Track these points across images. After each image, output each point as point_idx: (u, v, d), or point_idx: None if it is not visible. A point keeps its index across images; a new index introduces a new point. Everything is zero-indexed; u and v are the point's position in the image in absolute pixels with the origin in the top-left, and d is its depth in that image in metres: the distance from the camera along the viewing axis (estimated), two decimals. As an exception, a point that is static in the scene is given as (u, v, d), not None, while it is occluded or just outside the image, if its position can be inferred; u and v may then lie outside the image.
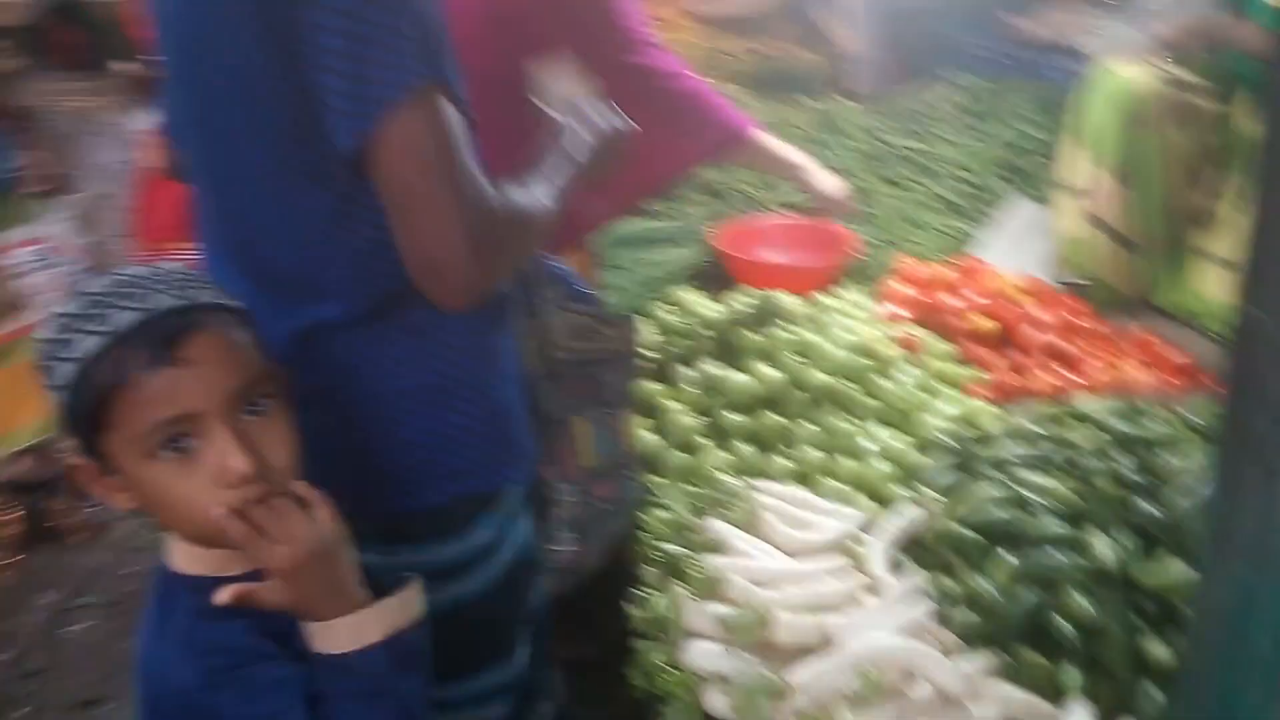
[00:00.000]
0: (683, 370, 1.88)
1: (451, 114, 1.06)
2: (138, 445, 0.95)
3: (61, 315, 0.97)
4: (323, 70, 1.02)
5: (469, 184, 1.06)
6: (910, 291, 2.13)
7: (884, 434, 1.70)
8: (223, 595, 0.98)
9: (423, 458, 1.23)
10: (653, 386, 1.86)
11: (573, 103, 1.40)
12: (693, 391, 1.83)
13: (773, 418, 1.74)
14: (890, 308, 2.11)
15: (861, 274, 2.34)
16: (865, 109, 3.20)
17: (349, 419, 1.21)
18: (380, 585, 1.05)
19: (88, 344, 0.94)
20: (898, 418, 1.76)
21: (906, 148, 2.84)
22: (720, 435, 1.75)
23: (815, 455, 1.67)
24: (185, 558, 1.04)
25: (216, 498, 0.96)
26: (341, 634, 1.00)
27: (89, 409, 0.95)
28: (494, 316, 1.28)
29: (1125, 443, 1.42)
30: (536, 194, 1.21)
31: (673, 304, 2.10)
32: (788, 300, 2.04)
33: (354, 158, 1.05)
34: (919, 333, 1.99)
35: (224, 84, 1.10)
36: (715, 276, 2.30)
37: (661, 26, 4.31)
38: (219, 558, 1.02)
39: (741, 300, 2.04)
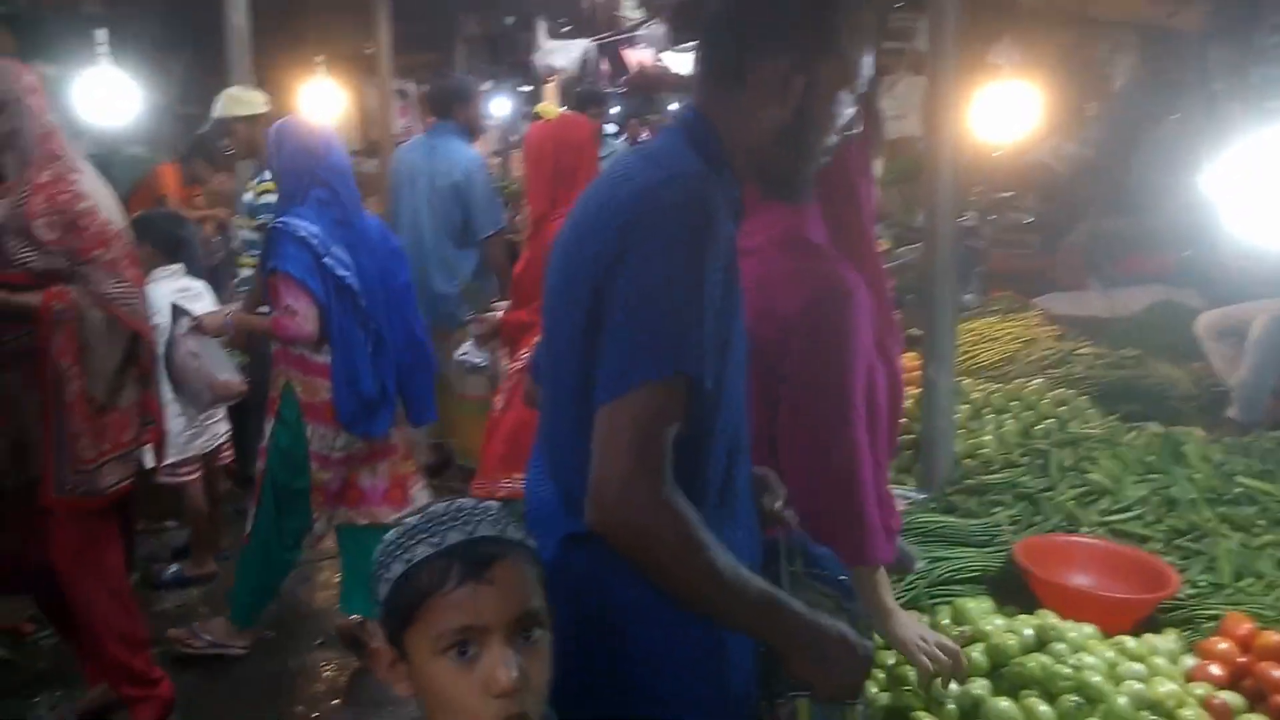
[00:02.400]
0: (948, 685, 1.79)
1: (673, 404, 1.24)
2: (432, 643, 1.11)
3: (405, 525, 1.17)
4: (608, 336, 1.26)
5: (653, 459, 1.21)
6: (1232, 652, 1.90)
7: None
8: None
9: (644, 675, 1.32)
10: (910, 695, 1.78)
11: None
12: (952, 709, 1.73)
13: (1036, 759, 1.60)
14: (1205, 665, 1.89)
15: (1184, 620, 2.12)
16: (1221, 442, 2.97)
17: (587, 626, 1.32)
18: None
19: (418, 551, 1.13)
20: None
21: (1263, 491, 2.59)
22: (973, 764, 1.63)
23: (1077, 814, 1.51)
24: None
25: (482, 706, 1.08)
26: None
27: (405, 605, 1.12)
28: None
29: None
30: (726, 563, 1.23)
31: (954, 611, 2.02)
32: (1082, 632, 1.90)
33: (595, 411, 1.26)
34: (1231, 699, 1.76)
35: (560, 332, 1.37)
36: (1011, 590, 2.18)
37: (1010, 327, 4.31)
38: None
39: (1028, 622, 1.92)
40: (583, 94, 7.10)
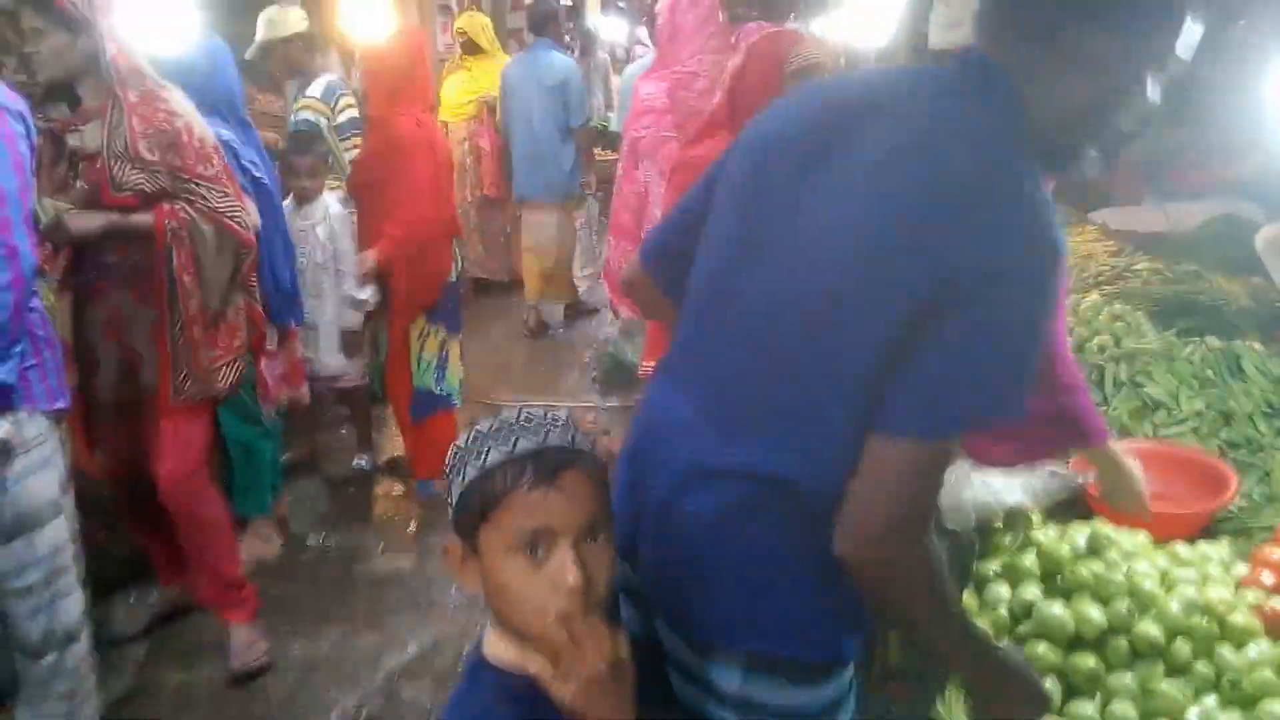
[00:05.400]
0: (999, 588, 1.83)
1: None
2: (503, 542, 1.16)
3: (478, 431, 1.22)
4: (923, 365, 1.15)
5: (928, 511, 1.18)
6: (1285, 561, 1.92)
7: (1213, 707, 1.54)
8: (532, 666, 1.16)
9: (795, 616, 1.32)
10: (964, 599, 1.82)
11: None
12: (1003, 613, 1.77)
13: (1086, 660, 1.64)
14: (1258, 572, 1.91)
15: (1237, 531, 2.14)
16: (1280, 356, 2.93)
17: (745, 563, 1.32)
18: None
19: (493, 456, 1.18)
20: (1236, 695, 1.59)
21: (1324, 407, 2.57)
22: (1024, 664, 1.67)
23: (1126, 709, 1.55)
24: (496, 648, 1.24)
25: (549, 602, 1.14)
26: None
27: (478, 505, 1.18)
28: None
29: None
30: (958, 606, 1.27)
31: (1006, 519, 2.05)
32: (1134, 541, 1.92)
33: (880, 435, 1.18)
34: (1283, 607, 1.79)
35: (841, 302, 1.22)
36: (1066, 501, 2.20)
37: (1069, 243, 4.24)
38: (522, 654, 1.20)
39: (1080, 530, 1.95)
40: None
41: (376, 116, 3.98)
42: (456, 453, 1.23)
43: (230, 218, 2.87)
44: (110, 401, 2.90)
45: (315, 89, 4.71)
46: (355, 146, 4.85)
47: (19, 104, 2.26)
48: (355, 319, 4.10)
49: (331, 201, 4.13)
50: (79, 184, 2.73)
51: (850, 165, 1.26)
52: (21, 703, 2.44)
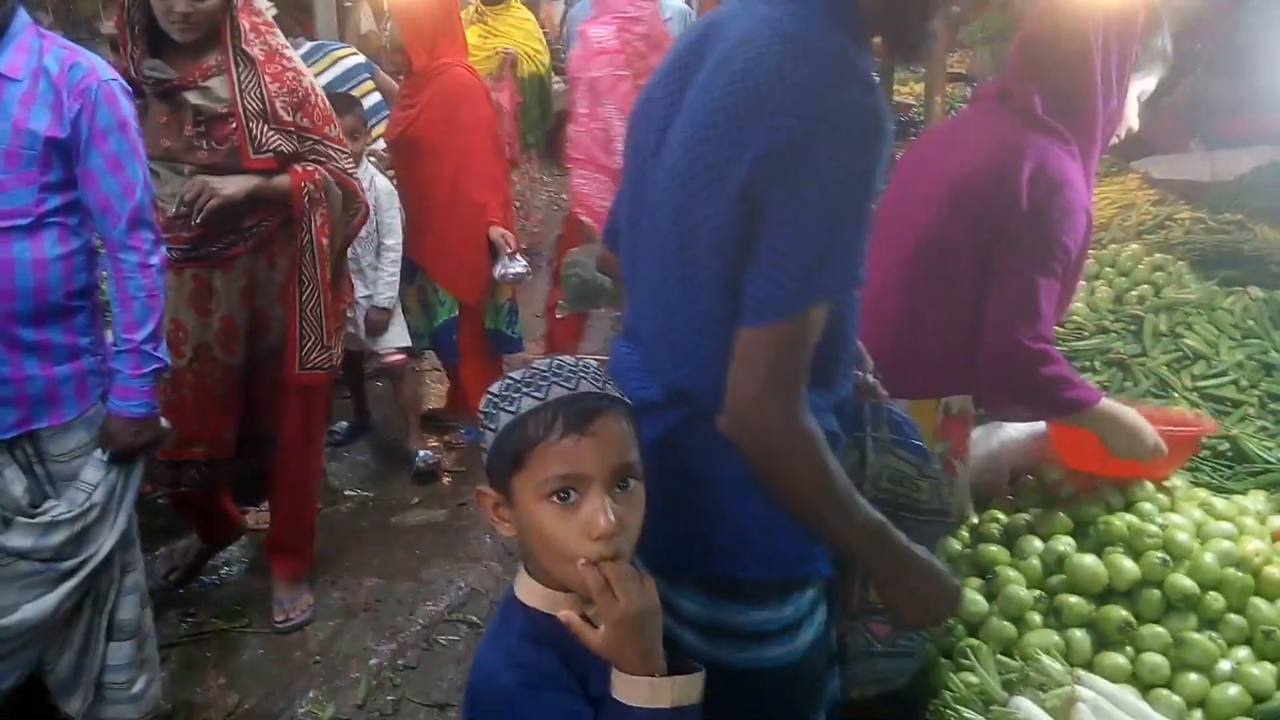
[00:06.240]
0: (1031, 541, 1.83)
1: (821, 320, 1.23)
2: (536, 488, 1.18)
3: (510, 380, 1.24)
4: (765, 255, 1.20)
5: (792, 383, 1.22)
6: (1322, 513, 1.90)
7: (1246, 659, 1.54)
8: (564, 614, 1.18)
9: (746, 536, 1.36)
10: (995, 550, 1.82)
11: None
12: (1035, 565, 1.77)
13: (1118, 611, 1.64)
14: (1295, 526, 1.89)
15: (1273, 483, 2.11)
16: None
17: (692, 487, 1.36)
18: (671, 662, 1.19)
19: (526, 403, 1.20)
20: (1270, 648, 1.58)
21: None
22: (1054, 615, 1.68)
23: (1158, 661, 1.55)
24: (527, 591, 1.26)
25: (581, 547, 1.16)
26: (640, 690, 1.15)
27: (511, 452, 1.19)
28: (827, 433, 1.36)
29: None
30: (843, 486, 1.27)
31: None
32: (1172, 495, 1.91)
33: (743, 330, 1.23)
34: (1320, 560, 1.77)
35: (688, 221, 1.29)
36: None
37: (1106, 191, 4.18)
38: (552, 597, 1.22)
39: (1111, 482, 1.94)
40: None
41: (421, 69, 3.81)
42: (490, 401, 1.25)
43: (355, 179, 2.83)
44: (243, 369, 2.80)
45: None
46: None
47: (121, 79, 2.18)
48: (387, 297, 3.91)
49: (375, 172, 3.98)
50: (209, 144, 2.58)
51: (691, 91, 1.31)
52: (116, 689, 2.36)
